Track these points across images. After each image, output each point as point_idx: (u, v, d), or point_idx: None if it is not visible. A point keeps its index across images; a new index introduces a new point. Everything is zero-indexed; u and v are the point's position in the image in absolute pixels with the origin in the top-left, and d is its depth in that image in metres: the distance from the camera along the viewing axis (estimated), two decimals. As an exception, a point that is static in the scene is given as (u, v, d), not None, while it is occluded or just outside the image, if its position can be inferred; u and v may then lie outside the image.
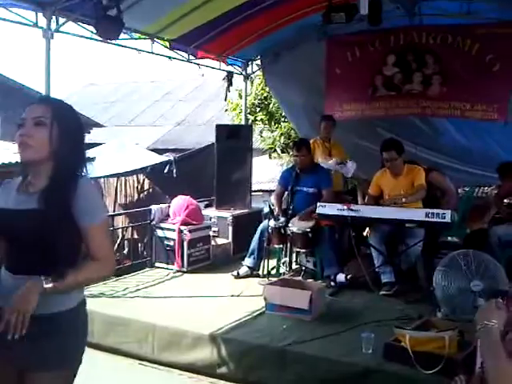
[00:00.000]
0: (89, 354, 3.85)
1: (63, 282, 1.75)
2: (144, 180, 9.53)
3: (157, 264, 5.54)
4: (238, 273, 5.17)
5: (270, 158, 12.45)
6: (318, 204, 4.71)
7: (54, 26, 4.71)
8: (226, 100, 8.67)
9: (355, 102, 6.89)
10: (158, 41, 6.02)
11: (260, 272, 5.19)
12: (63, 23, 4.82)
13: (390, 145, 4.85)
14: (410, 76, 6.58)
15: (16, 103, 12.52)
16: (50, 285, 1.73)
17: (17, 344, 1.76)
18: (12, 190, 1.92)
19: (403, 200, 4.61)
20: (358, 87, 6.84)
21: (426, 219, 4.25)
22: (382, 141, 5.17)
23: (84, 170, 1.94)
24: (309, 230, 4.82)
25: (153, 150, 12.43)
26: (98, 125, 15.48)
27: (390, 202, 4.71)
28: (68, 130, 1.89)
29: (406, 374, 3.06)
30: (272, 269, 5.18)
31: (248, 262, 5.22)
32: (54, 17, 4.68)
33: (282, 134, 11.27)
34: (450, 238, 5.03)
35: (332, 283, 4.75)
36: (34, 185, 1.88)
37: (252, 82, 9.20)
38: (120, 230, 8.58)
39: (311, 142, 5.83)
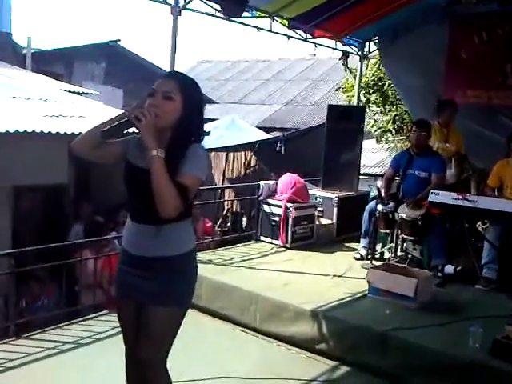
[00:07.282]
0: (195, 316, 4.08)
1: (158, 159, 1.89)
2: (251, 157, 9.73)
3: (261, 238, 5.68)
4: (360, 255, 5.15)
5: (378, 142, 12.15)
6: (431, 191, 4.53)
7: (181, 3, 4.92)
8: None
9: (481, 88, 6.49)
10: (277, 19, 6.08)
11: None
12: (190, 0, 5.01)
13: None
14: None
15: (137, 77, 13.27)
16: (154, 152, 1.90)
17: (138, 282, 2.08)
18: (138, 148, 2.07)
19: None
20: (485, 73, 6.41)
21: (551, 216, 3.96)
22: (508, 130, 4.84)
23: (199, 139, 2.10)
24: (419, 217, 4.68)
25: (260, 128, 12.66)
26: (211, 101, 15.99)
27: None
28: (191, 104, 2.05)
29: (513, 374, 2.91)
30: (377, 253, 5.11)
31: (364, 242, 5.18)
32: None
33: (396, 116, 10.95)
34: None
35: (439, 274, 4.59)
36: None
37: (368, 63, 8.99)
38: (226, 203, 8.90)
39: None
